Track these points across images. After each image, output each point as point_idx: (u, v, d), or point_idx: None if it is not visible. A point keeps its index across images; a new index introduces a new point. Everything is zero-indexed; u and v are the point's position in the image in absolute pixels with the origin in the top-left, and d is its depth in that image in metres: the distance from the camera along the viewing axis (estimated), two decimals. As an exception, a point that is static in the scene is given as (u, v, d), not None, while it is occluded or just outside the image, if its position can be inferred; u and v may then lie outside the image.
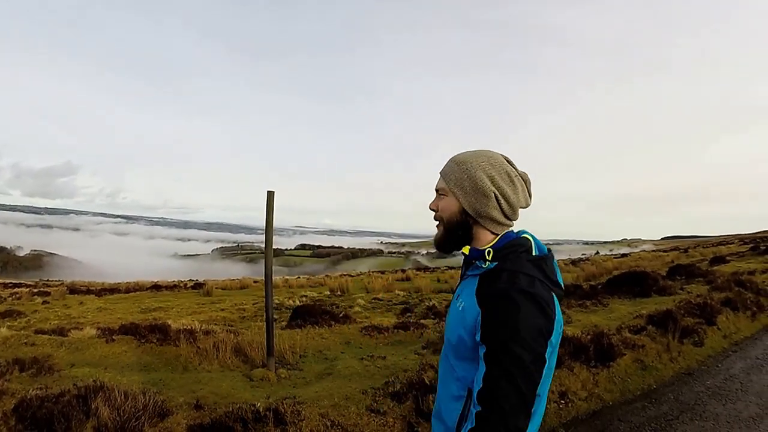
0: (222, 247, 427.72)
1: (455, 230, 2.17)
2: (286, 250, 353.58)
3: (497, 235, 2.14)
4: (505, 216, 2.13)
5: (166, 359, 9.57)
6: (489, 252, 2.04)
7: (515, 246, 2.04)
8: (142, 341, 10.55)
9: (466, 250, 2.16)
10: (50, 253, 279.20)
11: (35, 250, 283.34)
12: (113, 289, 33.70)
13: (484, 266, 2.05)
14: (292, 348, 9.73)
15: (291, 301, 21.59)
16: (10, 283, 51.06)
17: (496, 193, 2.09)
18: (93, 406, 5.96)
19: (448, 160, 2.22)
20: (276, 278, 39.76)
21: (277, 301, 21.35)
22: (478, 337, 1.90)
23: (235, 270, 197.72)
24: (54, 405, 6.16)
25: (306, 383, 8.06)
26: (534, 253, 2.05)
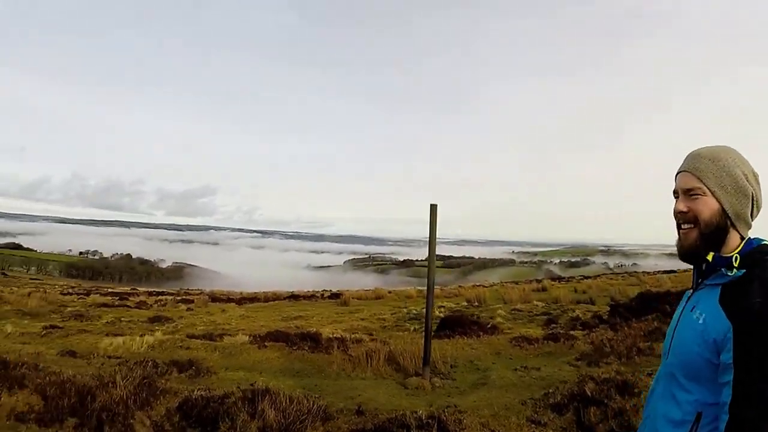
0: (354, 259, 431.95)
1: (713, 234, 1.94)
2: (417, 260, 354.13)
3: (743, 239, 1.93)
4: (752, 219, 1.95)
5: (319, 366, 9.74)
6: (736, 258, 1.83)
7: (763, 252, 1.84)
8: (294, 348, 10.79)
9: (709, 256, 1.91)
10: (190, 264, 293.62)
11: (176, 263, 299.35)
12: (252, 298, 34.86)
13: (729, 274, 1.82)
14: (444, 358, 9.68)
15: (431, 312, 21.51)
16: (155, 291, 54.21)
17: (753, 193, 1.92)
18: (259, 408, 6.12)
19: (690, 156, 2.01)
20: (409, 289, 39.90)
21: (415, 312, 21.38)
22: (725, 358, 1.69)
23: (367, 281, 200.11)
24: (219, 405, 6.41)
25: (460, 393, 7.98)
26: None
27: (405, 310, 22.83)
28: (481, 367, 9.64)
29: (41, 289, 46.35)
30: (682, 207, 1.99)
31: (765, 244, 1.90)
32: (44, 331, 16.30)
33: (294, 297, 34.26)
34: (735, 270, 1.80)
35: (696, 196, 1.96)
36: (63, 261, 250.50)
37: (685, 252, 2.01)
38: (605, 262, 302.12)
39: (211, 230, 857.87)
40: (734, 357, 1.65)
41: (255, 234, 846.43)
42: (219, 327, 19.45)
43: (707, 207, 1.92)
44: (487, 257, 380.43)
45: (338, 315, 22.98)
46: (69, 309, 25.86)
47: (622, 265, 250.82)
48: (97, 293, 44.77)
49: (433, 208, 8.40)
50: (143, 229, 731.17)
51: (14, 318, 21.22)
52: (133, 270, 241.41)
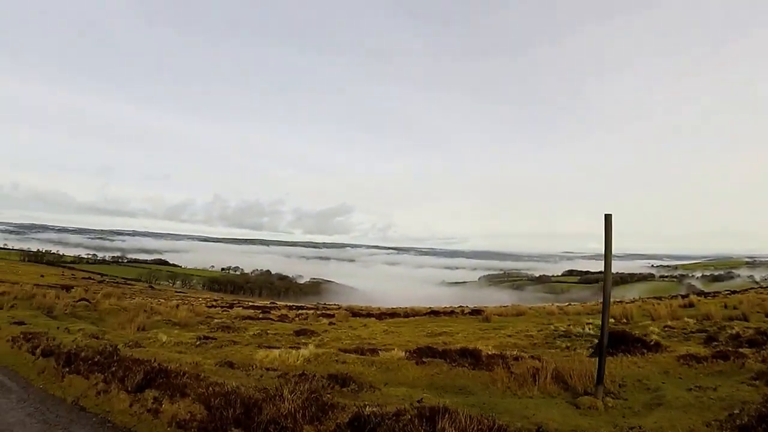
0: (489, 275, 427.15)
1: None
2: (553, 276, 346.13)
3: None
4: None
5: (482, 383, 9.68)
6: None
7: None
8: (454, 365, 10.76)
9: None
10: (327, 280, 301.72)
11: (314, 279, 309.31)
12: (392, 314, 35.20)
13: None
14: (611, 377, 9.40)
15: (578, 329, 20.94)
16: (294, 305, 55.92)
17: None
18: (439, 426, 6.11)
19: None
20: (548, 305, 39.20)
21: (563, 329, 20.93)
22: None
23: (502, 297, 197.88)
24: (394, 423, 6.46)
25: (634, 413, 7.76)
26: None
27: (552, 327, 22.32)
28: (651, 386, 9.30)
29: (187, 302, 48.98)
30: None
31: None
32: (198, 342, 17.28)
33: (434, 313, 34.27)
34: None
35: None
36: (206, 276, 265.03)
37: None
38: (751, 276, 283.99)
39: (347, 247, 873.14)
40: None
41: (390, 250, 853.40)
42: (365, 342, 19.77)
43: None
44: (625, 272, 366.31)
45: (483, 331, 22.79)
46: (216, 321, 27.21)
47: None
48: (239, 306, 47.14)
49: (608, 219, 8.21)
50: (282, 247, 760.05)
51: (165, 327, 22.73)
52: (272, 285, 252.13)
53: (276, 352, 13.51)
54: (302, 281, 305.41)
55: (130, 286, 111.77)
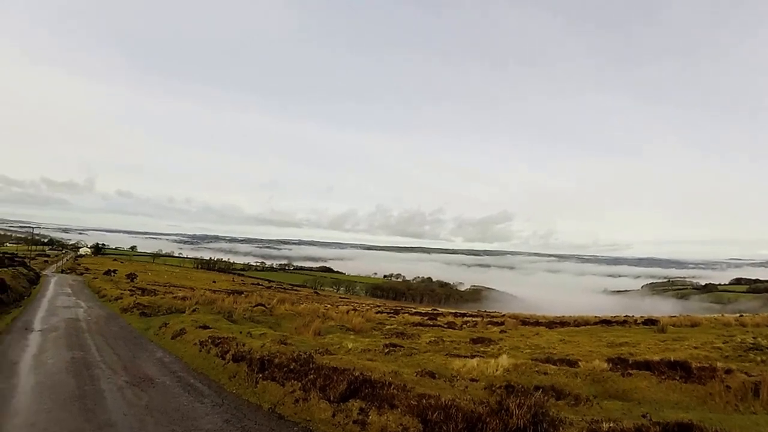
0: (652, 283, 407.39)
1: None
2: (719, 285, 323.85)
3: None
4: None
5: (697, 398, 9.47)
6: None
7: None
8: (662, 377, 10.49)
9: None
10: (487, 288, 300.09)
11: (474, 286, 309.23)
12: (562, 323, 34.53)
13: None
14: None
15: (766, 341, 19.68)
16: (457, 312, 56.00)
17: None
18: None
19: None
20: (718, 316, 37.17)
21: (750, 341, 19.91)
22: None
23: (665, 306, 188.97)
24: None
25: None
26: None
27: (737, 338, 21.13)
28: None
29: (355, 306, 50.23)
30: None
31: None
32: (387, 350, 17.55)
33: (605, 322, 33.39)
34: None
35: None
36: (368, 282, 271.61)
37: None
38: None
39: (507, 255, 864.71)
40: None
41: (551, 258, 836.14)
42: (545, 351, 19.61)
43: None
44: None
45: (663, 342, 22.17)
46: (387, 327, 27.87)
47: None
48: (405, 312, 47.66)
49: None
50: (443, 255, 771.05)
51: (339, 333, 23.70)
52: (433, 292, 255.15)
53: (473, 361, 13.50)
54: (463, 288, 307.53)
55: (296, 292, 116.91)
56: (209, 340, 17.26)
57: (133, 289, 51.24)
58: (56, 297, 41.40)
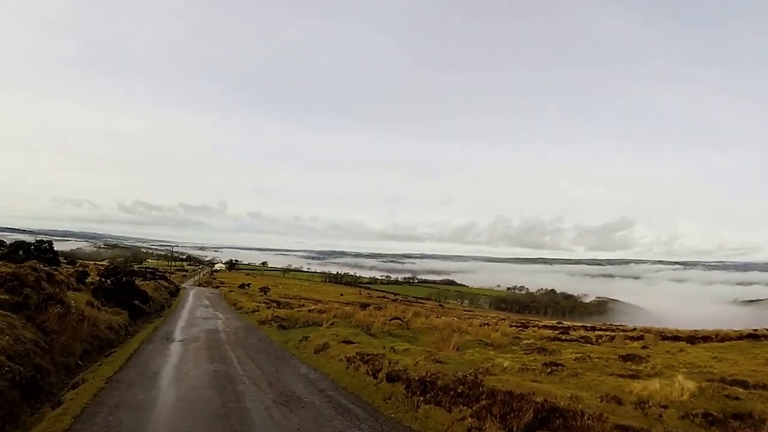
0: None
1: None
2: None
3: None
4: None
5: None
6: None
7: None
8: None
9: None
10: (612, 299, 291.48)
11: (599, 297, 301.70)
12: (704, 338, 33.23)
13: None
14: None
15: None
16: (586, 325, 55.03)
17: None
18: None
19: None
20: None
21: None
22: None
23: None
24: None
25: None
26: None
27: None
28: None
29: (486, 320, 50.03)
30: None
31: None
32: (548, 369, 16.49)
33: (753, 337, 31.81)
34: None
35: None
36: (492, 295, 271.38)
37: None
38: None
39: (631, 263, 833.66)
40: None
41: (675, 266, 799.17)
42: (704, 370, 18.18)
43: None
44: None
45: None
46: (524, 341, 27.21)
47: None
48: (533, 326, 46.97)
49: None
50: (565, 265, 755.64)
51: (477, 348, 22.88)
52: (558, 304, 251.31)
53: (655, 383, 12.12)
54: (588, 300, 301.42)
55: (421, 305, 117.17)
56: (357, 356, 16.48)
57: (268, 301, 53.84)
58: (195, 308, 43.75)
